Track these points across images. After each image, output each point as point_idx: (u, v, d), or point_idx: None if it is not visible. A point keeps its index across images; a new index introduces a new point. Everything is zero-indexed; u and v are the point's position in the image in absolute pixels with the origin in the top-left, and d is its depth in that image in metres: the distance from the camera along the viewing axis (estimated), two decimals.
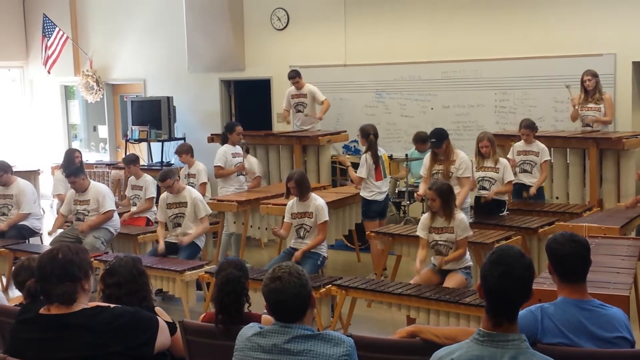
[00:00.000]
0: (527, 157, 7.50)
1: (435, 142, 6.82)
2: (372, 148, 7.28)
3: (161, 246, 6.89)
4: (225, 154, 8.30)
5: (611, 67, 8.26)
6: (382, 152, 7.51)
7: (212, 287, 4.72)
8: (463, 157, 6.84)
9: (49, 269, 2.90)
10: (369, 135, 7.30)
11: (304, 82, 9.37)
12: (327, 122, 9.92)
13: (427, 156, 7.09)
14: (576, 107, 7.92)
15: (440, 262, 5.59)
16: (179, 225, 6.99)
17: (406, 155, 8.42)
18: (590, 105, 7.91)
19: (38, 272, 2.96)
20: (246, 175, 8.54)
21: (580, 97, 7.94)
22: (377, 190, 7.35)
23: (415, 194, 7.74)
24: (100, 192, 7.38)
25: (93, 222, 7.29)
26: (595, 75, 7.85)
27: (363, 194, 7.39)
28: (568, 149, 7.88)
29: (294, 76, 9.33)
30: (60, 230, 7.65)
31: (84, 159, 9.49)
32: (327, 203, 6.61)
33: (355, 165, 7.64)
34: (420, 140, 8.43)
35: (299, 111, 9.43)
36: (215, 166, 8.27)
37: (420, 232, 5.76)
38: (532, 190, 7.39)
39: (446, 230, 5.62)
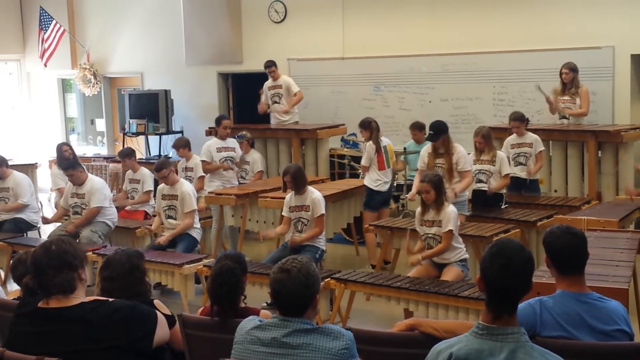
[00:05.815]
0: (521, 150, 7.47)
1: (433, 135, 6.81)
2: (372, 135, 7.33)
3: (162, 238, 6.91)
4: (210, 148, 8.25)
5: (610, 60, 8.25)
6: (386, 142, 7.55)
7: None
8: (461, 151, 6.84)
9: (45, 261, 2.90)
10: (370, 123, 7.35)
11: (280, 74, 9.45)
12: (325, 115, 9.90)
13: (425, 149, 7.08)
14: (555, 100, 8.00)
15: (417, 261, 5.57)
16: (172, 217, 6.99)
17: (404, 148, 8.40)
18: (566, 97, 8.01)
19: (33, 268, 2.95)
20: (244, 170, 8.54)
21: (557, 90, 8.02)
22: (381, 181, 7.36)
23: (407, 196, 7.61)
24: (94, 187, 7.33)
25: (79, 222, 7.27)
26: (573, 69, 7.92)
27: (368, 183, 7.38)
28: (567, 142, 7.88)
29: (270, 65, 9.36)
30: (58, 224, 7.65)
31: (81, 153, 9.48)
32: (326, 197, 6.60)
33: (356, 160, 7.64)
34: (417, 127, 8.39)
35: (276, 102, 9.45)
36: (201, 161, 8.23)
37: (417, 226, 5.80)
38: (530, 170, 7.29)
39: (436, 223, 5.61)
